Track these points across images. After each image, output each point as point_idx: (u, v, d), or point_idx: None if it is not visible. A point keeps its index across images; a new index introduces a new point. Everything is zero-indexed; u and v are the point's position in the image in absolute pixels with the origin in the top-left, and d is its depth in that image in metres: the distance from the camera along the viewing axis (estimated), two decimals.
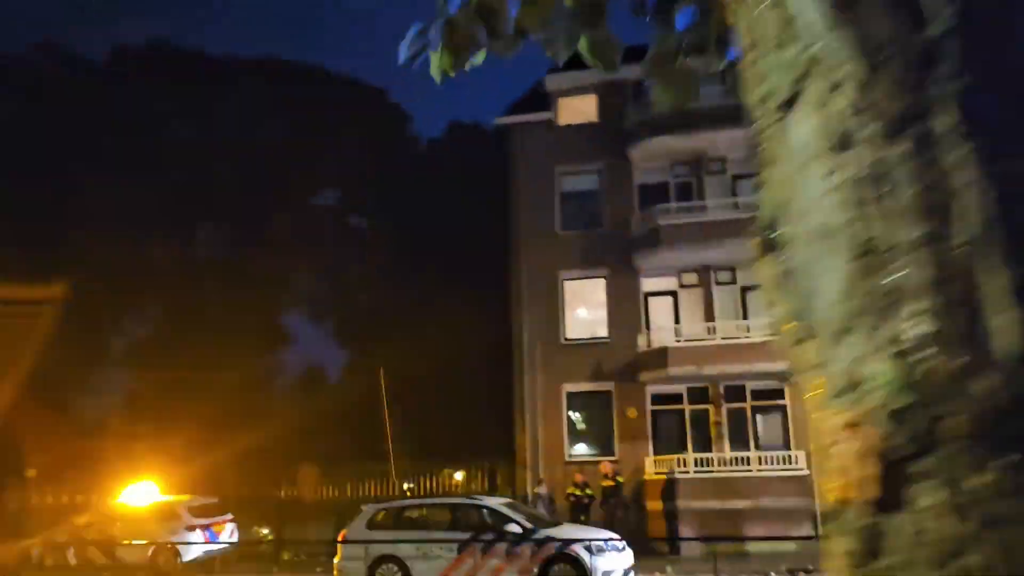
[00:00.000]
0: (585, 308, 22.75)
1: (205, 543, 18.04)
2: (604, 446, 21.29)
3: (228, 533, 19.13)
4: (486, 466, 22.06)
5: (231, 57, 33.22)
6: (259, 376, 31.15)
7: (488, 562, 12.53)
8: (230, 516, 19.60)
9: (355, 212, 33.69)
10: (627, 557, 12.80)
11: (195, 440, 25.13)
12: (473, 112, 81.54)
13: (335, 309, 32.93)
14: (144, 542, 17.86)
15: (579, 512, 18.33)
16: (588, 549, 12.17)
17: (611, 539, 12.81)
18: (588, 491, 18.77)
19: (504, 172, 25.01)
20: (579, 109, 23.86)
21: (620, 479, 18.97)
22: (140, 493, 19.91)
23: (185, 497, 19.91)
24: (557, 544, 12.38)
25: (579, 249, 22.60)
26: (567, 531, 13.25)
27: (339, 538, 14.09)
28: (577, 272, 22.63)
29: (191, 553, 17.85)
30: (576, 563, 12.18)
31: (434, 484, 23.68)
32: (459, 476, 26.38)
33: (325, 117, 32.19)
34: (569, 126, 23.77)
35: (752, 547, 17.73)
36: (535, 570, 12.29)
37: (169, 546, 17.75)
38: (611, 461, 19.97)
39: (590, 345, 22.06)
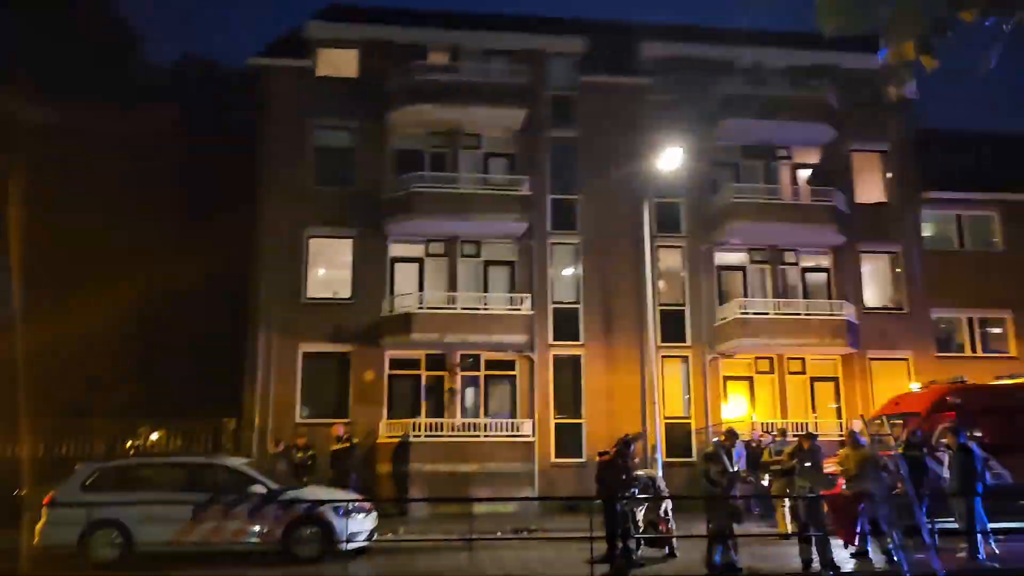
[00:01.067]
0: (329, 268, 22.23)
1: None
2: (338, 408, 21.04)
3: None
4: (211, 425, 20.70)
5: None
6: None
7: (228, 524, 11.85)
8: None
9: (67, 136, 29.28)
10: (372, 519, 12.86)
11: None
12: (211, 47, 75.01)
13: (30, 244, 28.51)
14: None
15: (300, 474, 17.95)
16: (336, 511, 12.02)
17: (357, 501, 12.76)
18: (310, 452, 18.41)
19: (250, 117, 23.49)
20: (340, 63, 23.07)
21: (354, 440, 18.86)
22: None
23: None
24: (304, 506, 12.07)
25: (328, 207, 21.96)
26: (314, 493, 12.96)
27: (44, 500, 12.43)
28: (324, 230, 22.01)
29: None
30: (323, 525, 11.98)
31: (142, 444, 21.77)
32: (156, 436, 24.41)
33: (30, 21, 27.66)
34: (328, 78, 22.90)
35: (477, 508, 18.58)
36: (279, 533, 11.89)
37: None
38: (344, 423, 19.81)
39: (331, 306, 21.63)
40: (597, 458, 13.12)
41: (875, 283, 24.04)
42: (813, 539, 10.83)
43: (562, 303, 22.45)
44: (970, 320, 23.99)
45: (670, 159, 18.06)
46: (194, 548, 11.86)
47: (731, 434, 11.89)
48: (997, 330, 24.08)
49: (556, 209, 22.83)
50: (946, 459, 12.84)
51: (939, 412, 15.15)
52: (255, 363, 20.93)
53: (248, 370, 20.97)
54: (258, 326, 21.13)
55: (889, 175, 24.34)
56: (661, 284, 22.67)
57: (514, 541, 13.90)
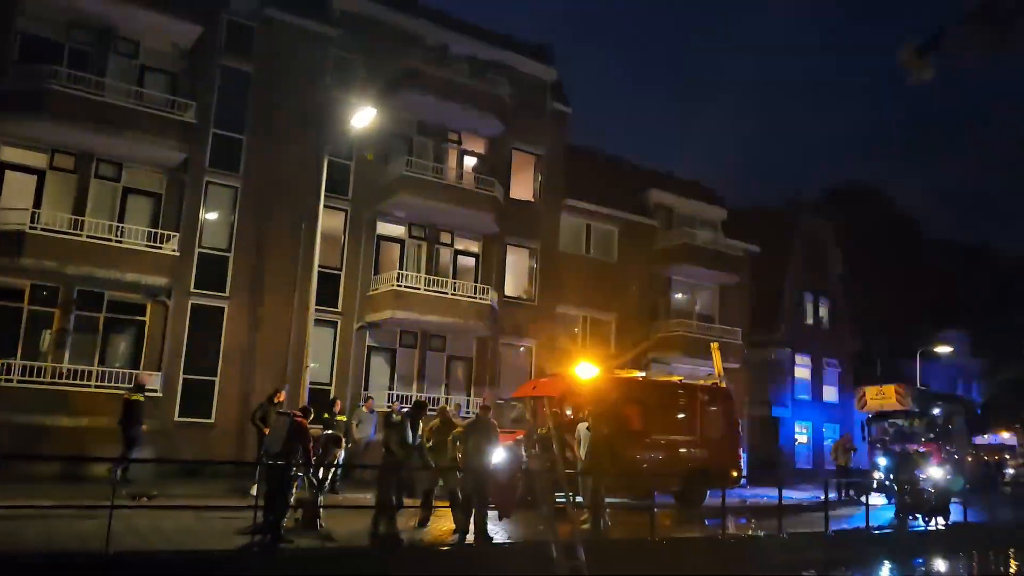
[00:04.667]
0: None
1: None
2: None
3: None
4: None
5: None
6: None
7: None
8: None
9: None
10: None
11: None
12: None
13: None
14: None
15: None
16: None
17: None
18: None
19: None
20: None
21: None
22: None
23: None
24: None
25: None
26: None
27: None
28: None
29: None
30: None
31: None
32: None
33: None
34: None
35: (93, 469, 15.92)
36: None
37: None
38: None
39: None
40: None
41: (514, 274, 25.95)
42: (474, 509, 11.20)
43: (211, 249, 20.39)
44: (584, 318, 27.18)
45: (362, 119, 17.37)
46: None
47: (418, 406, 11.78)
48: (603, 329, 27.59)
49: (218, 145, 20.67)
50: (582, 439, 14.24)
51: (571, 397, 16.82)
52: None
53: None
54: None
55: (540, 178, 26.48)
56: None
57: (145, 509, 12.16)
